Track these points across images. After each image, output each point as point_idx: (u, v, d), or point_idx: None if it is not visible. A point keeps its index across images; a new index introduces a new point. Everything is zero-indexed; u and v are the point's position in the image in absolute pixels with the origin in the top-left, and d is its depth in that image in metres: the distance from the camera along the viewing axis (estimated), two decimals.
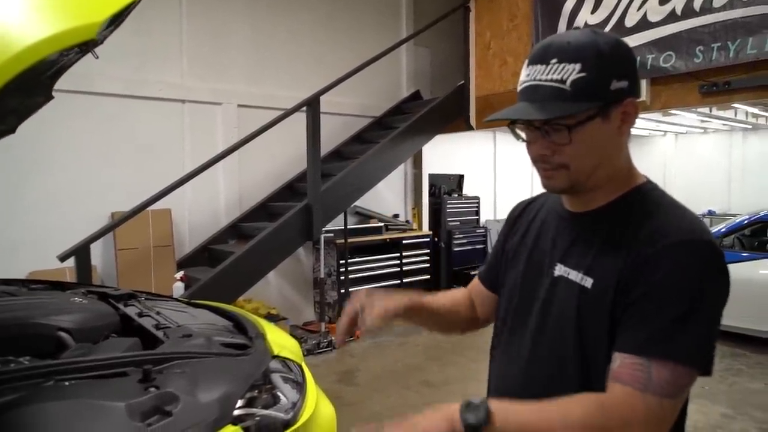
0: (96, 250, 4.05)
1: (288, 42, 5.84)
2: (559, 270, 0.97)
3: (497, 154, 8.10)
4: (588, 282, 0.91)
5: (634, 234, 0.88)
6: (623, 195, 0.95)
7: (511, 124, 0.96)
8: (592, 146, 0.90)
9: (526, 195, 6.10)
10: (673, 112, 6.30)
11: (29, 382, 1.27)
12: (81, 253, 3.57)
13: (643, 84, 4.68)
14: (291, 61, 5.86)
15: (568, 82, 0.87)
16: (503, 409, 0.84)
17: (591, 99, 0.87)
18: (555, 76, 0.88)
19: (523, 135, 0.96)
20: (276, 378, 1.74)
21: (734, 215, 6.95)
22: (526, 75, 0.92)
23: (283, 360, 1.91)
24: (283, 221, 4.56)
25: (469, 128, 6.20)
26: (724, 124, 8.44)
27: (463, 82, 6.20)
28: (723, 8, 4.12)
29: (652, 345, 0.81)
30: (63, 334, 1.73)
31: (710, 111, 6.56)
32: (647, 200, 0.94)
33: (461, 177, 7.68)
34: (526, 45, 5.60)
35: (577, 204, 0.99)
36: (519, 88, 0.94)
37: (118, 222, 3.97)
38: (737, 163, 9.26)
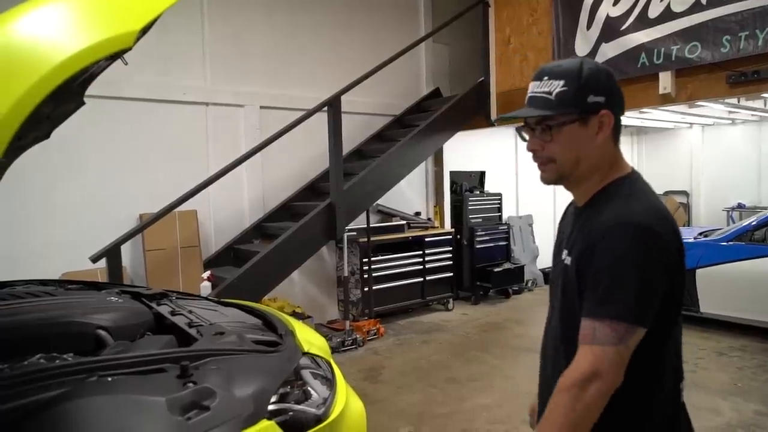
0: (125, 251, 4.14)
1: (307, 43, 5.89)
2: (564, 255, 1.23)
3: (519, 149, 8.02)
4: (568, 261, 1.19)
5: (594, 221, 1.14)
6: (603, 187, 1.20)
7: (519, 127, 1.25)
8: (571, 144, 1.17)
9: (548, 190, 6.06)
10: (699, 103, 6.16)
11: (74, 377, 1.32)
12: (112, 254, 3.66)
13: (668, 76, 4.60)
14: (311, 62, 5.91)
15: (554, 93, 1.16)
16: None
17: (569, 107, 1.15)
18: (545, 89, 1.18)
19: (526, 136, 1.25)
20: (306, 374, 1.77)
21: (765, 208, 6.78)
22: (530, 89, 1.22)
23: (313, 357, 1.94)
24: (307, 221, 4.61)
25: (490, 125, 6.17)
26: (752, 115, 8.21)
27: (483, 78, 6.16)
28: None
29: (595, 309, 1.07)
30: (102, 332, 1.78)
31: (738, 101, 6.40)
32: (616, 191, 1.18)
33: (483, 174, 7.63)
34: (546, 40, 5.55)
35: (579, 200, 1.27)
36: (525, 100, 1.23)
37: (146, 224, 4.06)
38: None
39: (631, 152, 10.64)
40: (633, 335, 1.05)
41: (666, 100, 4.74)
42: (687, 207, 9.82)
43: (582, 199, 1.25)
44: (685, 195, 9.87)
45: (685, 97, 4.69)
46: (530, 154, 1.25)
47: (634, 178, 1.21)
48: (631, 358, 1.07)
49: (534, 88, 1.20)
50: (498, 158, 7.86)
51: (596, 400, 1.04)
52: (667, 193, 9.78)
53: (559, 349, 1.22)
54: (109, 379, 1.34)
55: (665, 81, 4.61)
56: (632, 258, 1.06)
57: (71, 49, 1.12)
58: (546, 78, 1.17)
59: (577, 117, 1.15)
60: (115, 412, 1.22)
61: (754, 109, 7.33)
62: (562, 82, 1.15)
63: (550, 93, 1.16)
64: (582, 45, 5.17)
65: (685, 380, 1.22)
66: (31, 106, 1.16)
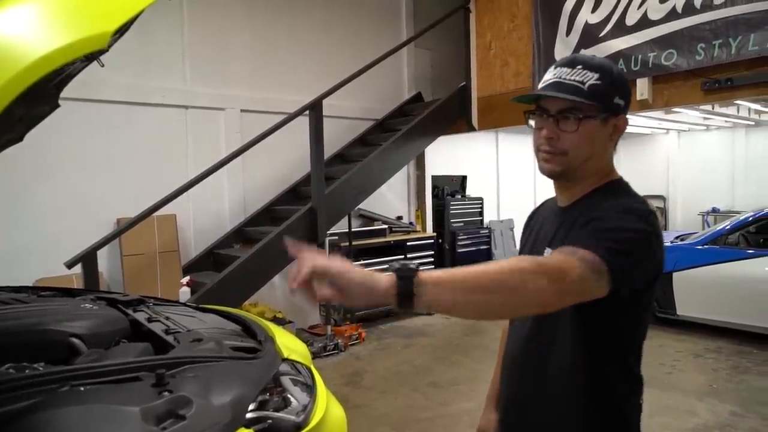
0: (102, 257, 4.06)
1: (289, 46, 5.87)
2: (547, 252, 1.18)
3: (499, 154, 8.10)
4: None
5: (597, 210, 1.10)
6: (597, 188, 1.19)
7: (527, 112, 1.21)
8: (589, 140, 1.14)
9: (529, 194, 6.10)
10: (675, 109, 6.30)
11: (45, 387, 1.27)
12: (88, 259, 3.59)
13: (645, 82, 4.68)
14: (292, 65, 5.88)
15: (587, 84, 1.12)
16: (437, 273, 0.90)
17: (598, 101, 1.12)
18: (577, 78, 1.12)
19: (532, 123, 1.21)
20: (286, 381, 1.75)
21: (738, 212, 6.94)
22: (552, 74, 1.16)
23: (293, 363, 1.91)
24: (288, 225, 4.58)
25: (471, 129, 6.21)
26: (726, 121, 8.42)
27: (464, 83, 6.21)
28: (724, 5, 4.12)
29: (593, 242, 0.98)
30: (75, 340, 1.73)
31: (713, 108, 6.55)
32: (611, 190, 1.18)
33: (464, 178, 7.68)
34: (527, 45, 5.61)
35: (564, 199, 1.24)
36: (543, 84, 1.17)
37: (123, 228, 3.99)
38: (740, 159, 9.23)
39: None
40: (601, 288, 0.96)
41: (643, 106, 4.83)
42: (664, 211, 10.00)
43: (570, 198, 1.22)
44: (661, 199, 10.06)
45: (661, 103, 4.79)
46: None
47: (624, 181, 1.24)
48: (630, 345, 1.13)
49: (563, 74, 1.14)
50: (479, 163, 7.92)
51: (546, 301, 0.93)
52: (644, 197, 9.96)
53: (564, 359, 1.14)
54: (82, 388, 1.30)
55: (642, 87, 4.70)
56: (641, 234, 1.04)
57: (43, 49, 1.09)
58: (580, 67, 1.13)
59: (602, 114, 1.13)
60: (87, 423, 1.18)
61: (728, 116, 7.51)
62: (597, 75, 1.12)
63: (582, 83, 1.12)
64: (562, 51, 5.25)
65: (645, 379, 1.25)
66: (1, 106, 1.13)
